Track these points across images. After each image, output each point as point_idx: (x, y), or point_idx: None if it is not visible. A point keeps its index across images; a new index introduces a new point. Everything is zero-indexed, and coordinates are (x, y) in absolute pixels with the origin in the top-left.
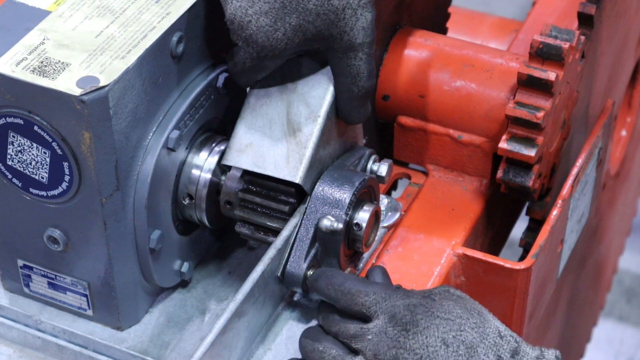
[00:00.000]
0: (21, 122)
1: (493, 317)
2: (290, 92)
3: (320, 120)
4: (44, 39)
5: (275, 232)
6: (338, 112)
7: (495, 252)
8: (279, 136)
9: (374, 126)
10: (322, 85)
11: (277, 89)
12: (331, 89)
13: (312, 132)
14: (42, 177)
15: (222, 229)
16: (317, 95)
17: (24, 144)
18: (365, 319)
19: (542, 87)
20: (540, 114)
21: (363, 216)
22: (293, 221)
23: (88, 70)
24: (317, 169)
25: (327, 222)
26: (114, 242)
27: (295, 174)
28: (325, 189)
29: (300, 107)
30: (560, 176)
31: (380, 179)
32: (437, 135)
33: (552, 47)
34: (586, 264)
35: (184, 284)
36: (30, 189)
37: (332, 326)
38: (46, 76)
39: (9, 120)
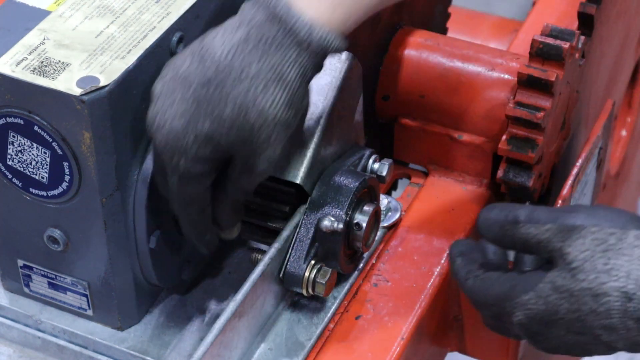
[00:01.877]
0: (21, 122)
1: None
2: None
3: (322, 121)
4: (44, 39)
5: (275, 232)
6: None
7: None
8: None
9: (374, 126)
10: (324, 85)
11: None
12: (334, 90)
13: (314, 132)
14: (42, 177)
15: None
16: (319, 95)
17: (24, 144)
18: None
19: (542, 87)
20: (541, 114)
21: (363, 216)
22: (293, 221)
23: (88, 70)
24: (318, 169)
25: (327, 222)
26: (114, 242)
27: (296, 174)
28: (325, 189)
29: None
30: (560, 176)
31: (380, 179)
32: (437, 135)
33: (552, 47)
34: None
35: (184, 284)
36: (30, 189)
37: None
38: (46, 76)
39: (9, 120)
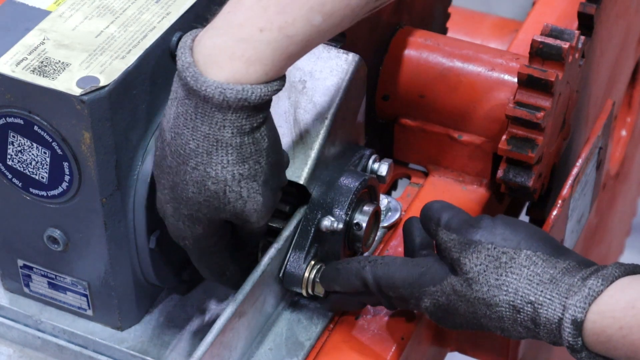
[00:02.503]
0: (21, 122)
1: None
2: (298, 92)
3: (327, 122)
4: (44, 39)
5: (276, 232)
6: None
7: None
8: (285, 136)
9: (374, 126)
10: (331, 86)
11: (285, 88)
12: (341, 91)
13: (319, 133)
14: (42, 177)
15: None
16: (325, 96)
17: (24, 144)
18: None
19: (542, 87)
20: (541, 114)
21: (363, 216)
22: (293, 221)
23: (88, 70)
24: (321, 169)
25: (327, 222)
26: (114, 242)
27: (300, 174)
28: (325, 189)
29: (308, 107)
30: (560, 176)
31: (380, 178)
32: (437, 135)
33: (552, 47)
34: None
35: (184, 284)
36: (30, 189)
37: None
38: (46, 76)
39: (9, 120)
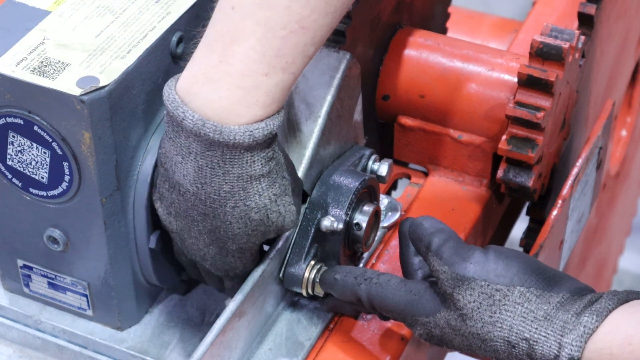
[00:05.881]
0: (21, 122)
1: None
2: (290, 93)
3: (320, 121)
4: (44, 39)
5: None
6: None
7: None
8: (279, 137)
9: (374, 126)
10: (322, 85)
11: None
12: (332, 89)
13: (312, 132)
14: (42, 177)
15: None
16: (317, 95)
17: (24, 144)
18: None
19: (542, 87)
20: (541, 114)
21: (363, 216)
22: None
23: (88, 70)
24: (317, 169)
25: (327, 222)
26: (114, 242)
27: None
28: (325, 189)
29: (300, 107)
30: (560, 176)
31: (380, 178)
32: (437, 135)
33: (552, 47)
34: (586, 264)
35: (184, 284)
36: (30, 189)
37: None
38: (46, 76)
39: (9, 120)
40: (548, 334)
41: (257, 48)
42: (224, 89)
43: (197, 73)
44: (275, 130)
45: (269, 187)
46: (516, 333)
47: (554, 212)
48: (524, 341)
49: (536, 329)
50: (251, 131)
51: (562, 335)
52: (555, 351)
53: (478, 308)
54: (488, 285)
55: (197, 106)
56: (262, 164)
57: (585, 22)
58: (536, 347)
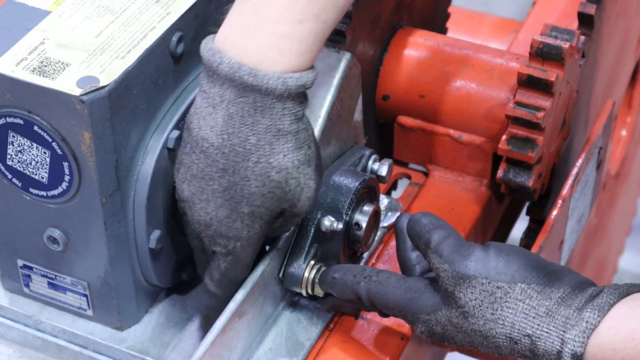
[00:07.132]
0: (21, 122)
1: None
2: None
3: (320, 121)
4: (44, 39)
5: None
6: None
7: None
8: None
9: (374, 126)
10: (322, 85)
11: None
12: (332, 89)
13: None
14: (42, 177)
15: None
16: (317, 95)
17: (24, 144)
18: None
19: (542, 87)
20: (541, 114)
21: (363, 216)
22: None
23: (88, 70)
24: None
25: (327, 222)
26: (114, 242)
27: None
28: (325, 189)
29: None
30: (560, 176)
31: (380, 178)
32: (437, 135)
33: (552, 47)
34: (586, 264)
35: (184, 284)
36: (30, 189)
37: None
38: (46, 76)
39: (9, 120)
40: (550, 329)
41: None
42: (259, 35)
43: (234, 23)
44: (308, 84)
45: (295, 150)
46: (518, 330)
47: (554, 212)
48: (526, 337)
49: (538, 325)
50: (284, 79)
51: (564, 331)
52: (557, 347)
53: (480, 306)
54: (489, 282)
55: (234, 54)
56: (291, 120)
57: (585, 22)
58: (539, 343)
